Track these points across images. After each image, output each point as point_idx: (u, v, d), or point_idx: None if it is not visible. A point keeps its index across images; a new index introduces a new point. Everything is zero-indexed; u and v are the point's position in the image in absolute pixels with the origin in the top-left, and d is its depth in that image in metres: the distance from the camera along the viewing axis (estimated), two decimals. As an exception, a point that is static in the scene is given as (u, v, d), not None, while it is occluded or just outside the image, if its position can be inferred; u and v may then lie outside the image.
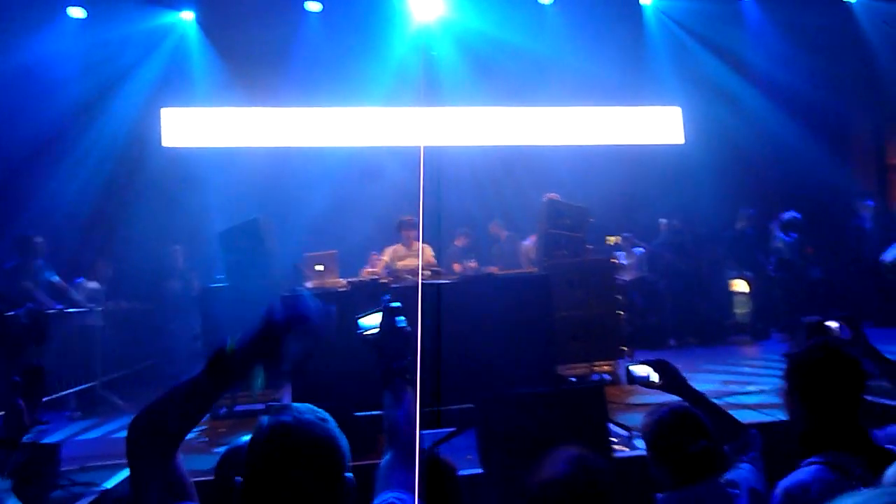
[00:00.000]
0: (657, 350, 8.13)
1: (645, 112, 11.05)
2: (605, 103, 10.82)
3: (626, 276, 8.87)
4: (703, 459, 2.06)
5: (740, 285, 9.53)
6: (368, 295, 5.58)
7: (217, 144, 9.99)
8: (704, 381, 6.10)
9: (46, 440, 4.59)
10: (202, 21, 10.14)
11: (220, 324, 6.07)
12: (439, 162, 10.11)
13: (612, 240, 9.39)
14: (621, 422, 4.68)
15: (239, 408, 6.02)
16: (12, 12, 8.80)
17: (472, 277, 6.15)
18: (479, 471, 3.75)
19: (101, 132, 9.35)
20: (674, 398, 2.42)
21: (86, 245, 8.64)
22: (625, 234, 9.36)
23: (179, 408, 1.36)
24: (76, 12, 9.38)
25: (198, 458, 4.15)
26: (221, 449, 2.06)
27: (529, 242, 8.12)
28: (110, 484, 3.46)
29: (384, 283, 6.03)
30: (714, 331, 9.07)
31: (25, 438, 3.30)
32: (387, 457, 1.57)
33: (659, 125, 11.02)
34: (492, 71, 10.24)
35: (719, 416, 2.36)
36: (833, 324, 2.45)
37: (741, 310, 9.46)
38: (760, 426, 3.61)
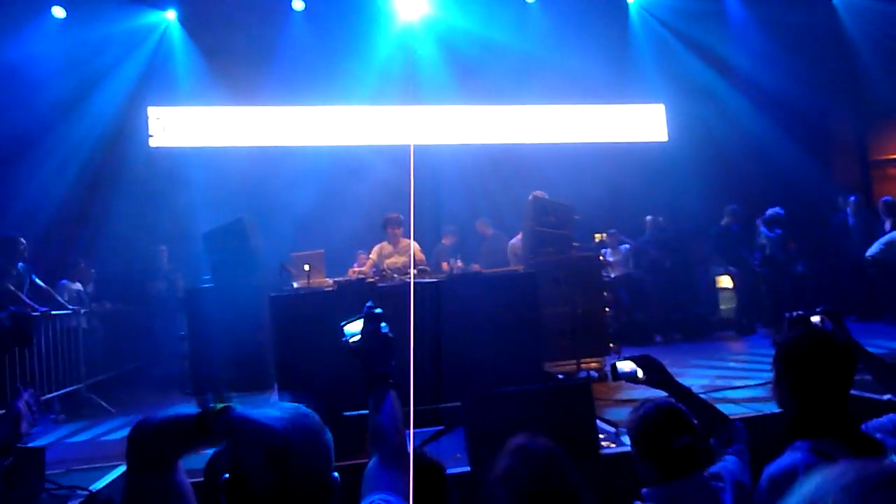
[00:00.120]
0: (644, 346, 8.17)
1: (629, 110, 11.11)
2: (591, 101, 10.87)
3: (613, 273, 8.92)
4: (687, 455, 2.08)
5: (725, 281, 9.61)
6: (355, 294, 5.57)
7: (203, 144, 9.93)
8: (696, 377, 6.16)
9: (32, 443, 4.56)
10: (185, 20, 10.07)
11: (206, 324, 6.04)
12: (425, 160, 10.13)
13: (598, 237, 9.45)
14: (608, 418, 4.71)
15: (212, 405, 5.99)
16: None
17: (460, 276, 6.15)
18: (467, 469, 3.75)
19: (84, 131, 9.27)
20: (659, 393, 2.44)
21: (70, 246, 8.56)
22: (611, 231, 9.41)
23: (180, 434, 1.37)
24: (59, 12, 9.29)
25: (188, 458, 4.09)
26: (210, 450, 2.05)
27: (517, 240, 8.14)
28: (96, 487, 3.44)
29: (371, 281, 6.02)
30: (700, 327, 9.13)
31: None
32: (372, 461, 1.57)
33: (643, 122, 11.09)
34: (477, 69, 10.25)
35: (704, 410, 2.38)
36: (816, 318, 2.47)
37: (726, 305, 9.54)
38: (747, 420, 3.65)
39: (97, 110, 9.36)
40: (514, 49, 10.18)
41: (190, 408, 1.41)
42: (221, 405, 1.34)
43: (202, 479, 2.01)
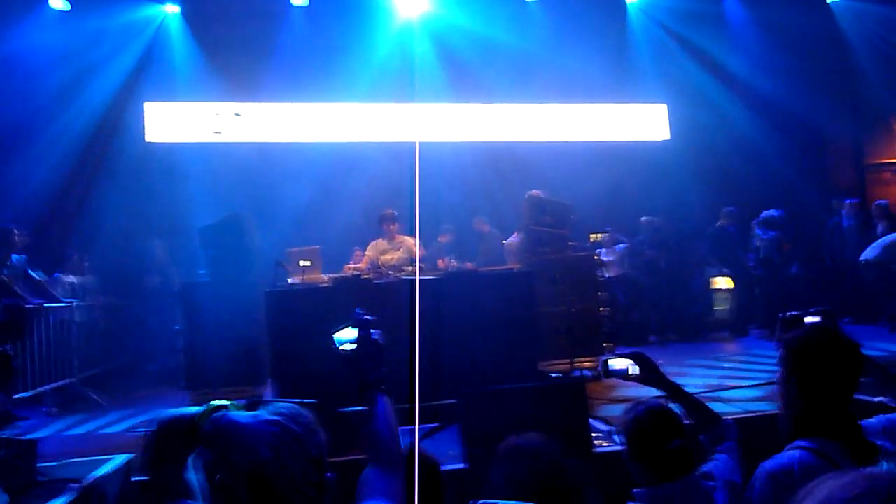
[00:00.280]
0: (639, 346, 8.16)
1: (630, 109, 11.11)
2: (591, 100, 10.86)
3: (608, 273, 8.92)
4: (679, 457, 2.09)
5: (721, 282, 9.64)
6: (351, 290, 5.57)
7: (200, 139, 9.89)
8: (699, 377, 6.20)
9: (27, 436, 4.55)
10: (186, 14, 10.04)
11: (201, 319, 6.04)
12: (423, 158, 10.13)
13: (595, 237, 9.46)
14: (602, 417, 4.72)
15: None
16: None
17: (455, 273, 6.15)
18: (462, 466, 3.76)
19: (82, 125, 9.23)
20: (652, 392, 2.45)
21: (65, 239, 8.54)
22: (607, 229, 9.42)
23: (183, 432, 1.38)
24: (58, 4, 9.24)
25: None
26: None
27: (513, 239, 8.15)
28: (89, 480, 3.43)
29: (367, 278, 6.02)
30: (695, 327, 9.15)
31: (3, 434, 3.27)
32: (368, 469, 1.57)
33: (642, 122, 11.09)
34: (476, 68, 10.24)
35: (694, 408, 2.38)
36: (810, 318, 2.47)
37: (721, 307, 9.56)
38: (738, 419, 3.67)
39: (96, 103, 9.31)
40: (513, 47, 10.18)
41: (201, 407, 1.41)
42: (216, 405, 1.35)
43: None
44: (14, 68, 8.69)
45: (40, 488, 3.26)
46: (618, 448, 3.32)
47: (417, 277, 5.87)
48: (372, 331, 1.75)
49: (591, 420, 4.28)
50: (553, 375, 6.35)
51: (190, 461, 1.42)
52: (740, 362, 7.09)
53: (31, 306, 6.34)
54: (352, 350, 1.75)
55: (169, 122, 9.94)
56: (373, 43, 10.10)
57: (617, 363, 2.47)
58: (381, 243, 7.23)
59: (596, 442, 4.15)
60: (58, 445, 5.05)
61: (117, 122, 9.50)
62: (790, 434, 1.87)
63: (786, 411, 1.93)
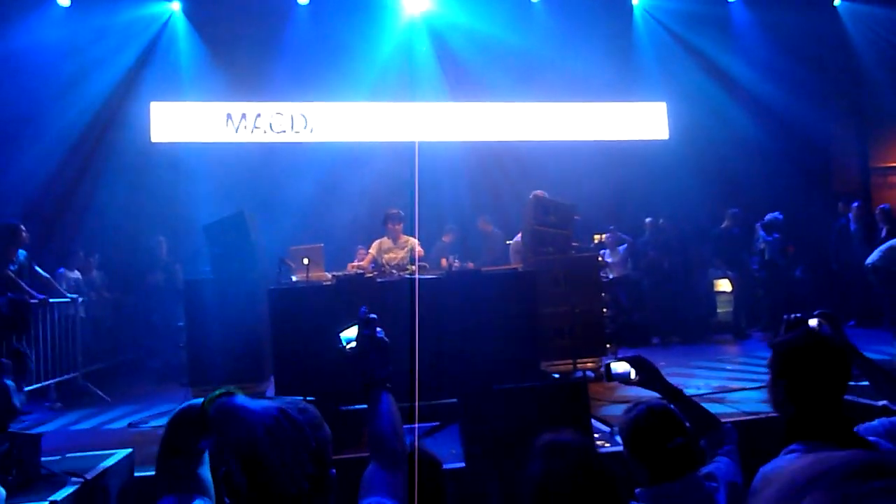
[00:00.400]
0: (641, 348, 8.19)
1: (633, 108, 11.08)
2: (594, 99, 10.85)
3: (611, 274, 8.93)
4: (680, 456, 2.09)
5: (724, 284, 9.62)
6: (354, 289, 5.58)
7: (205, 139, 9.90)
8: (703, 378, 6.20)
9: (33, 430, 4.57)
10: (189, 11, 10.05)
11: (205, 316, 6.05)
12: (426, 157, 10.14)
13: (598, 238, 9.46)
14: (604, 418, 4.72)
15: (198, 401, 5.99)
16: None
17: (458, 272, 6.15)
18: (463, 465, 3.76)
19: (86, 121, 9.27)
20: (652, 394, 2.45)
21: (69, 235, 8.57)
22: (609, 228, 9.41)
23: (194, 421, 1.39)
24: (63, 0, 9.27)
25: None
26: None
27: (518, 239, 8.15)
28: (91, 475, 3.44)
29: (370, 276, 6.03)
30: (697, 329, 9.14)
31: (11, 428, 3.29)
32: (370, 465, 1.58)
33: (647, 121, 11.06)
34: (480, 67, 10.24)
35: (694, 411, 2.39)
36: (813, 321, 2.47)
37: (724, 309, 9.55)
38: (739, 423, 3.67)
39: (99, 100, 9.35)
40: (517, 47, 10.18)
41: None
42: (224, 391, 1.35)
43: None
44: (20, 65, 8.72)
45: (43, 482, 3.28)
46: (619, 449, 3.32)
47: (417, 276, 5.87)
48: (378, 329, 1.75)
49: (592, 421, 4.28)
50: (555, 376, 6.35)
51: (206, 458, 1.42)
52: (746, 364, 7.08)
53: (35, 301, 6.36)
54: (357, 348, 1.75)
55: (174, 122, 9.95)
56: (377, 42, 10.12)
57: (619, 366, 2.47)
58: (385, 242, 7.23)
59: (598, 442, 4.15)
60: (61, 440, 5.07)
61: (123, 119, 9.54)
62: (784, 438, 1.88)
63: (778, 415, 1.94)
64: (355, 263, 7.42)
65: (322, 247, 7.08)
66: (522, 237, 7.45)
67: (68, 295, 7.22)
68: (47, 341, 6.63)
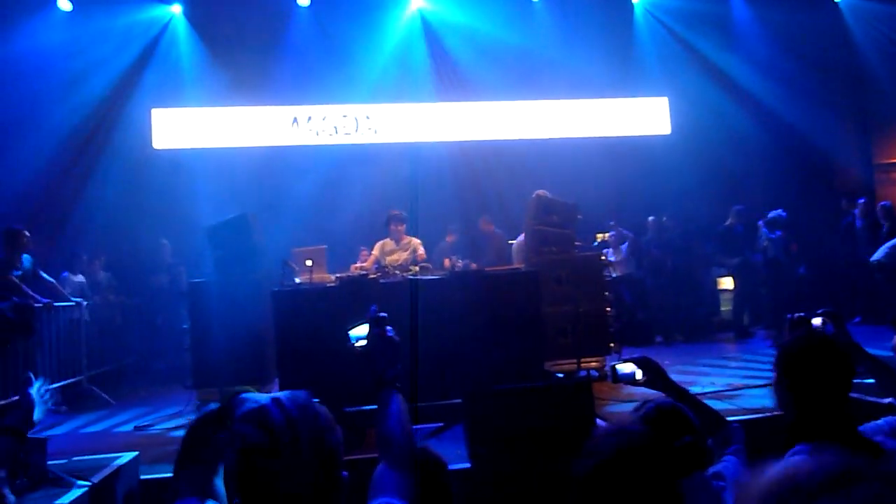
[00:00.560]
0: (645, 347, 8.19)
1: (633, 103, 11.06)
2: (595, 96, 10.83)
3: (615, 273, 8.91)
4: (689, 454, 2.08)
5: (727, 283, 9.61)
6: (357, 290, 5.58)
7: (207, 145, 9.91)
8: (712, 376, 6.22)
9: (44, 433, 4.58)
10: (190, 14, 10.07)
11: (208, 318, 6.06)
12: (428, 157, 10.15)
13: (601, 237, 9.44)
14: (608, 418, 4.72)
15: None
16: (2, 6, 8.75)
17: (461, 273, 6.15)
18: (467, 465, 3.77)
19: (88, 125, 9.29)
20: (658, 394, 2.44)
21: (74, 240, 8.59)
22: (610, 223, 9.37)
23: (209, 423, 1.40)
24: (65, 4, 9.29)
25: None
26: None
27: (522, 239, 8.15)
28: (97, 478, 3.45)
29: (373, 278, 6.03)
30: (701, 328, 9.13)
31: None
32: (380, 465, 1.58)
33: (648, 116, 11.03)
34: (481, 66, 10.24)
35: (701, 411, 2.38)
36: (817, 320, 2.47)
37: (728, 307, 9.54)
38: (745, 422, 3.66)
39: (102, 104, 9.38)
40: (517, 46, 10.18)
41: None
42: (241, 389, 1.35)
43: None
44: (22, 68, 8.74)
45: (50, 485, 3.29)
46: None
47: (417, 277, 5.87)
48: (388, 328, 1.75)
49: (597, 420, 4.27)
50: (558, 375, 6.35)
51: (220, 469, 1.42)
52: (748, 362, 7.08)
53: (39, 305, 6.38)
54: (367, 346, 1.75)
55: (176, 128, 9.96)
56: (379, 43, 10.12)
57: (625, 367, 2.47)
58: (387, 243, 7.23)
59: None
60: (67, 443, 5.09)
61: (125, 122, 9.54)
62: (789, 439, 1.88)
63: (783, 415, 1.94)
64: (358, 265, 7.42)
65: (325, 248, 7.09)
66: (525, 237, 7.45)
67: (73, 299, 7.24)
68: (52, 345, 6.65)
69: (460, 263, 6.68)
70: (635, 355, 2.53)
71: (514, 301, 5.77)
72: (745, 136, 10.64)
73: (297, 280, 6.26)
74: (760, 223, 9.15)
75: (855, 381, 1.97)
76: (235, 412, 1.29)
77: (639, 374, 2.46)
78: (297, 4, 10.15)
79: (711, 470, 2.13)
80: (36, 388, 2.16)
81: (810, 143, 10.49)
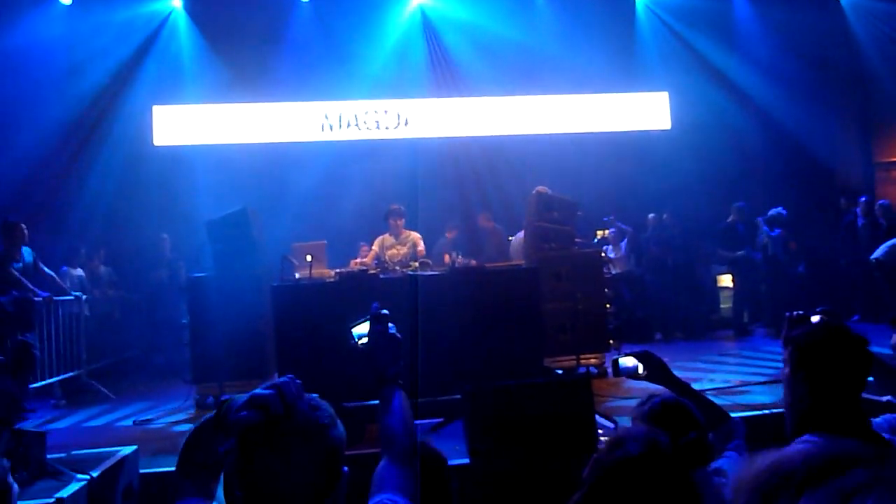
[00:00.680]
0: (644, 343, 8.19)
1: (634, 98, 11.03)
2: (596, 91, 10.80)
3: (614, 270, 8.92)
4: (693, 450, 2.09)
5: (727, 280, 9.61)
6: (357, 285, 5.59)
7: (208, 141, 9.89)
8: (712, 373, 6.24)
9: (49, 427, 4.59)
10: (190, 8, 10.04)
11: (208, 313, 6.06)
12: (429, 153, 10.14)
13: (600, 234, 9.44)
14: (607, 414, 4.73)
15: (226, 396, 6.00)
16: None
17: (461, 269, 6.16)
18: (467, 461, 3.77)
19: (88, 119, 9.27)
20: (659, 388, 2.45)
21: (73, 233, 8.58)
22: (607, 217, 9.33)
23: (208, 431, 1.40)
24: (66, -2, 9.28)
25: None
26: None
27: (521, 235, 8.15)
28: (97, 471, 3.46)
29: (373, 273, 6.04)
30: (701, 325, 9.14)
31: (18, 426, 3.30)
32: (382, 462, 1.58)
33: (648, 111, 10.99)
34: (481, 61, 10.22)
35: (703, 406, 2.39)
36: (815, 318, 2.47)
37: (728, 305, 9.54)
38: (747, 418, 3.67)
39: (103, 97, 9.36)
40: (517, 41, 10.16)
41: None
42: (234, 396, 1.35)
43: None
44: (22, 61, 8.72)
45: (49, 479, 3.29)
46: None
47: (418, 273, 5.87)
48: (390, 325, 1.75)
49: (596, 416, 4.28)
50: (558, 372, 6.36)
51: (221, 477, 1.42)
52: (748, 359, 7.10)
53: (38, 299, 6.38)
54: (369, 344, 1.75)
55: (176, 124, 9.94)
56: (380, 39, 10.10)
57: (627, 361, 2.48)
58: (387, 238, 7.24)
59: (601, 438, 4.15)
60: (66, 437, 5.09)
61: (126, 116, 9.52)
62: (797, 430, 1.87)
63: (793, 408, 1.93)
64: (358, 260, 7.42)
65: (325, 243, 7.09)
66: (525, 233, 7.45)
67: (73, 293, 7.24)
68: (52, 339, 6.65)
69: (460, 259, 6.69)
70: (636, 350, 2.54)
71: (513, 297, 5.78)
72: (744, 134, 10.63)
73: (297, 275, 6.26)
74: (760, 220, 9.16)
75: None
76: (230, 414, 1.29)
77: (641, 369, 2.46)
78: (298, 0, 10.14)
79: (713, 465, 2.13)
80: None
81: (810, 141, 10.48)
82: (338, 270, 6.31)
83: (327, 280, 6.06)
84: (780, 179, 10.29)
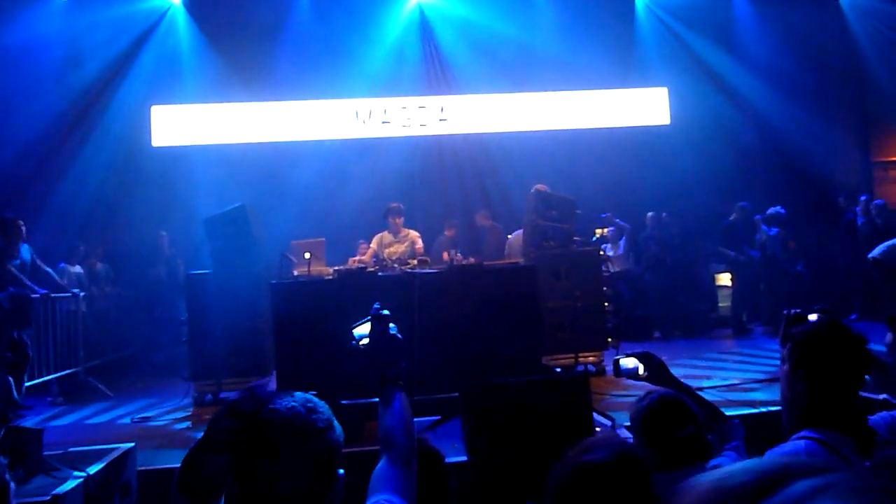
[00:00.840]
0: (643, 342, 8.20)
1: (633, 94, 11.02)
2: (594, 87, 10.79)
3: (613, 268, 8.91)
4: (691, 444, 2.10)
5: (726, 279, 9.61)
6: (355, 283, 5.58)
7: (206, 142, 9.87)
8: (711, 371, 6.26)
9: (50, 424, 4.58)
10: (189, 4, 10.02)
11: (206, 310, 6.06)
12: (428, 151, 10.14)
13: (599, 232, 9.41)
14: (605, 412, 4.73)
15: (224, 394, 6.02)
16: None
17: (460, 267, 6.15)
18: (464, 458, 3.77)
19: (86, 116, 9.26)
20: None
21: (71, 230, 8.57)
22: (604, 215, 9.30)
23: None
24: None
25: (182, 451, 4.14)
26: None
27: (518, 235, 8.15)
28: (94, 469, 3.45)
29: (371, 271, 6.03)
30: (699, 324, 9.14)
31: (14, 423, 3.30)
32: (381, 462, 1.57)
33: (647, 107, 10.98)
34: (480, 58, 10.21)
35: (703, 407, 2.39)
36: (812, 316, 2.47)
37: (726, 303, 9.54)
38: (744, 417, 3.67)
39: (101, 95, 9.34)
40: (516, 37, 10.15)
41: None
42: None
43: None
44: (20, 57, 8.70)
45: (46, 476, 3.29)
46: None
47: (417, 271, 5.87)
48: (390, 325, 1.74)
49: (594, 414, 4.28)
50: (556, 370, 6.36)
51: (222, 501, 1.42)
52: (746, 357, 7.10)
53: (36, 296, 6.36)
54: (370, 344, 1.74)
55: (175, 124, 9.91)
56: (379, 36, 10.09)
57: (627, 362, 2.48)
58: (385, 236, 7.23)
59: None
60: (63, 434, 5.09)
61: (125, 114, 9.50)
62: (794, 426, 1.87)
63: (790, 405, 1.93)
64: (357, 258, 7.41)
65: (323, 241, 7.08)
66: (524, 231, 7.45)
67: (71, 290, 7.23)
68: (49, 336, 6.64)
69: (459, 257, 6.68)
70: (637, 350, 2.54)
71: (512, 295, 5.77)
72: (743, 133, 10.62)
73: (296, 273, 6.26)
74: (758, 219, 9.16)
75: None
76: (214, 431, 1.29)
77: (641, 369, 2.47)
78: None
79: (712, 463, 2.14)
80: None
81: (809, 140, 10.47)
82: (336, 268, 6.30)
83: (326, 278, 6.05)
84: (778, 178, 10.28)
